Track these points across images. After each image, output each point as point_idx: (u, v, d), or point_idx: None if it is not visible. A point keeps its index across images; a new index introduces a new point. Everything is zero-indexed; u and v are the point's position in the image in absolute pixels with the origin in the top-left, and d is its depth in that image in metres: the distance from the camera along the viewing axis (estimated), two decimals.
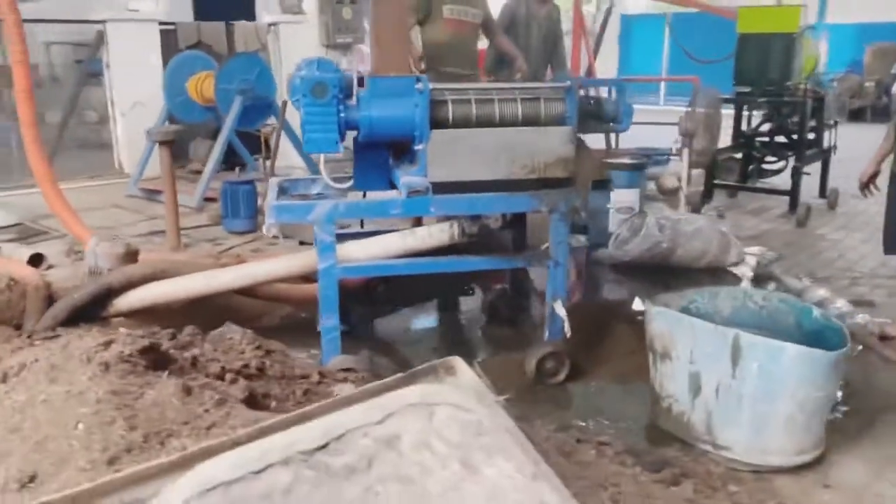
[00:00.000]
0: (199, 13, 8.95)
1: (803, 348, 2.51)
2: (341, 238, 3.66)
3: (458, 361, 1.97)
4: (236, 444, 1.52)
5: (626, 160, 5.71)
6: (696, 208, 6.80)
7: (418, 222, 3.86)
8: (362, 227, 3.93)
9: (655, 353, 2.90)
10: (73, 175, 6.87)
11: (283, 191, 3.58)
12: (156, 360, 1.94)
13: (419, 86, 3.13)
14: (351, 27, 7.85)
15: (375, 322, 4.08)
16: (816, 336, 2.82)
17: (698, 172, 6.97)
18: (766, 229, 6.32)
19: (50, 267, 4.33)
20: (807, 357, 2.52)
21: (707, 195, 6.92)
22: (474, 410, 1.67)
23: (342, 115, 3.11)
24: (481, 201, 3.17)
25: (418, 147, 3.26)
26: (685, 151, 5.91)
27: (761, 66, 6.31)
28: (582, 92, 3.46)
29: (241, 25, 7.65)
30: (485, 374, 3.44)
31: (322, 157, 3.34)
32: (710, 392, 2.70)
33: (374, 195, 3.48)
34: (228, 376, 2.01)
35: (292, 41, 7.86)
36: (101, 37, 6.75)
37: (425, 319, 4.27)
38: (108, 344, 1.89)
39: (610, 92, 4.57)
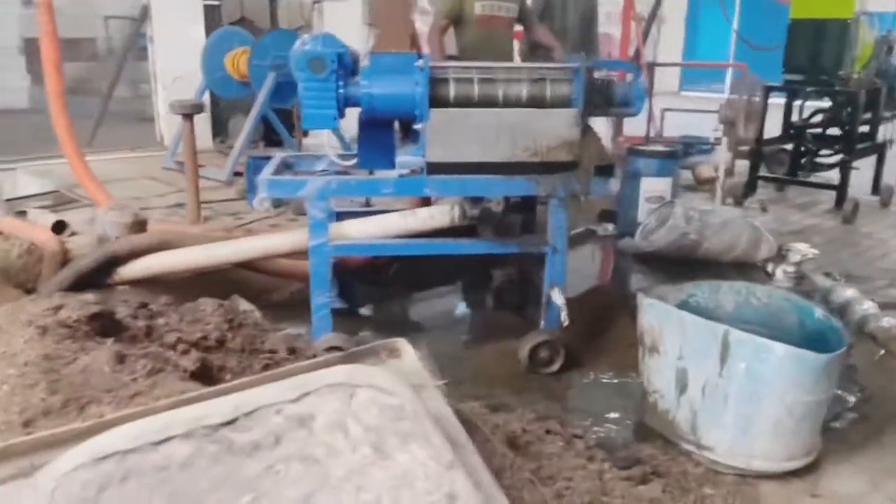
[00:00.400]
0: None
1: (792, 349, 2.38)
2: (343, 216, 3.68)
3: (402, 343, 1.93)
4: (151, 413, 1.52)
5: (659, 147, 5.53)
6: (738, 200, 6.57)
7: (427, 203, 3.82)
8: (369, 205, 3.90)
9: (644, 346, 2.79)
10: (116, 146, 7.05)
11: (287, 166, 3.58)
12: (104, 326, 1.96)
13: (419, 63, 3.08)
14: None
15: (382, 303, 4.07)
16: (818, 336, 2.67)
17: (742, 163, 6.72)
18: (810, 224, 6.05)
19: (73, 234, 4.43)
20: (796, 358, 2.38)
21: (751, 187, 6.66)
22: (398, 394, 1.62)
23: (341, 91, 3.08)
24: (475, 183, 3.10)
25: (417, 126, 3.22)
26: (724, 140, 5.68)
27: (813, 53, 6.00)
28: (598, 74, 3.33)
29: (285, 2, 7.70)
30: (481, 360, 3.40)
31: (327, 132, 3.32)
32: (696, 390, 2.59)
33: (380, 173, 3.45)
34: (181, 347, 2.01)
35: (336, 19, 7.87)
36: (146, 11, 6.88)
37: (432, 303, 4.23)
38: (57, 308, 1.91)
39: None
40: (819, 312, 2.69)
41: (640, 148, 5.46)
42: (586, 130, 3.20)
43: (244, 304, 3.84)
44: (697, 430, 2.59)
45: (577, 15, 5.63)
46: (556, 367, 3.25)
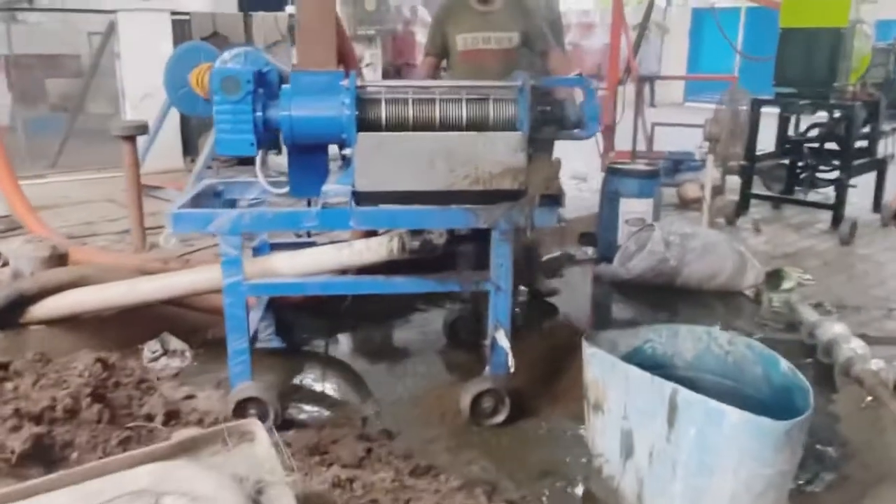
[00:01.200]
0: (243, 4, 8.81)
1: (747, 415, 2.04)
2: (279, 247, 3.38)
3: (255, 426, 1.62)
4: None
5: (639, 166, 5.20)
6: (729, 220, 6.23)
7: (373, 233, 3.51)
8: (309, 235, 3.60)
9: (589, 402, 2.47)
10: (82, 166, 6.80)
11: (215, 194, 3.31)
12: None
13: (345, 82, 2.78)
14: (375, 19, 7.54)
15: (326, 340, 3.76)
16: (785, 393, 2.33)
17: (735, 180, 6.37)
18: (805, 247, 5.68)
19: (6, 265, 4.18)
20: (752, 426, 2.05)
21: (743, 205, 6.31)
22: (217, 502, 1.30)
23: (258, 114, 2.79)
24: (407, 215, 2.79)
25: (345, 152, 2.93)
26: (709, 157, 5.34)
27: (805, 64, 5.65)
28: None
29: (259, 16, 7.45)
30: (418, 407, 3.09)
31: (258, 157, 3.02)
32: (642, 455, 2.26)
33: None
34: (10, 423, 1.72)
35: None
36: (112, 26, 6.65)
37: (382, 338, 3.92)
38: None
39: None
40: (784, 366, 2.35)
41: (619, 167, 5.13)
42: (534, 156, 2.89)
43: (175, 343, 3.58)
44: (643, 501, 2.26)
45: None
46: (500, 418, 2.92)
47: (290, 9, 7.70)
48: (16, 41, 9.69)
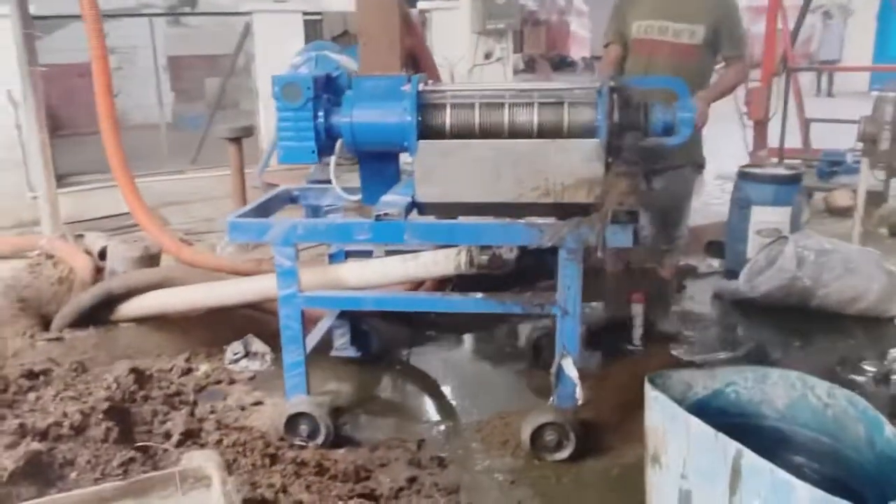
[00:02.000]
0: None
1: (818, 493, 1.66)
2: (352, 255, 3.30)
3: (213, 470, 1.49)
4: None
5: (775, 169, 4.63)
6: (893, 231, 5.45)
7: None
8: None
9: (648, 453, 2.15)
10: (220, 163, 7.12)
11: (291, 199, 3.27)
12: None
13: (406, 87, 2.62)
14: (504, 13, 7.32)
15: (404, 351, 3.64)
16: (890, 464, 1.91)
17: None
18: None
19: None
20: None
21: None
22: None
23: (320, 120, 2.69)
24: (465, 230, 2.60)
25: (407, 159, 2.77)
26: (864, 161, 4.67)
27: None
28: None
29: None
30: (481, 433, 2.88)
31: (332, 163, 2.94)
32: None
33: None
34: (11, 438, 1.72)
35: (444, 28, 7.52)
36: (248, 27, 6.91)
37: (461, 353, 3.73)
38: None
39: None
40: (889, 431, 1.92)
41: (751, 170, 4.60)
42: (613, 166, 2.59)
43: (258, 345, 3.59)
44: None
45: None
46: (563, 454, 2.65)
47: (421, 4, 7.65)
48: (178, 44, 10.43)
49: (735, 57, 3.50)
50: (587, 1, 18.12)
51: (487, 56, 7.58)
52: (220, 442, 2.21)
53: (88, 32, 4.13)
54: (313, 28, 7.03)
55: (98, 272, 3.78)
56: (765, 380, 2.27)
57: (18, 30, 4.44)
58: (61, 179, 6.81)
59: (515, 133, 2.63)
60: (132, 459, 1.88)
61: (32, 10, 6.19)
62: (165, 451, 1.96)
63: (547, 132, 2.61)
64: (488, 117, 2.64)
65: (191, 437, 2.12)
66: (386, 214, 2.56)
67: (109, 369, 2.32)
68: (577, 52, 17.15)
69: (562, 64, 16.30)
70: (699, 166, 3.67)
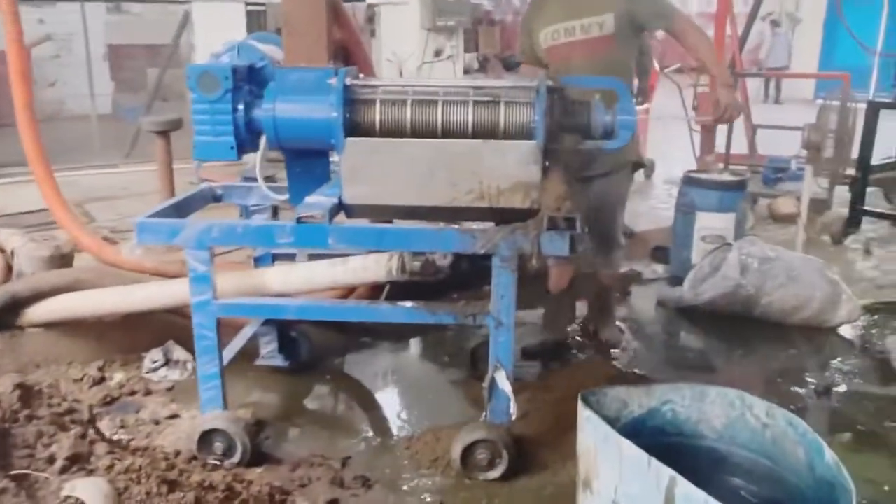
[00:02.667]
0: None
1: None
2: (278, 258, 3.11)
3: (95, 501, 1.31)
4: None
5: (719, 175, 4.58)
6: (836, 239, 5.47)
7: None
8: None
9: (579, 476, 2.02)
10: (154, 157, 6.84)
11: (215, 198, 3.07)
12: None
13: (333, 80, 2.45)
14: (455, 10, 7.19)
15: (335, 358, 3.46)
16: (827, 488, 1.81)
17: (844, 193, 5.59)
18: None
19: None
20: None
21: (853, 223, 5.51)
22: None
23: (240, 114, 2.50)
24: (392, 235, 2.44)
25: (334, 158, 2.60)
26: (808, 168, 4.65)
27: None
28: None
29: None
30: (410, 449, 2.72)
31: (258, 157, 2.74)
32: None
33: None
34: None
35: (394, 24, 7.35)
36: (187, 16, 6.64)
37: (397, 359, 3.57)
38: None
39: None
40: (829, 457, 1.82)
41: (696, 175, 4.54)
42: (549, 169, 2.46)
43: (179, 353, 3.38)
44: None
45: None
46: (496, 473, 2.51)
47: None
48: (119, 32, 10.04)
49: (668, 23, 3.24)
50: None
51: (437, 53, 7.44)
52: (111, 467, 2.00)
53: (3, 15, 3.85)
54: (257, 19, 6.78)
55: (10, 271, 3.52)
56: (703, 398, 2.17)
57: None
58: None
59: (449, 133, 2.47)
60: (3, 490, 1.67)
61: None
62: (46, 479, 1.75)
63: (482, 132, 2.46)
64: (421, 115, 2.48)
65: (78, 462, 1.91)
66: (310, 217, 2.39)
67: None
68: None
69: (517, 64, 16.27)
70: (637, 165, 3.54)
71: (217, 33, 6.56)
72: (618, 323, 3.87)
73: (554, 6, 3.28)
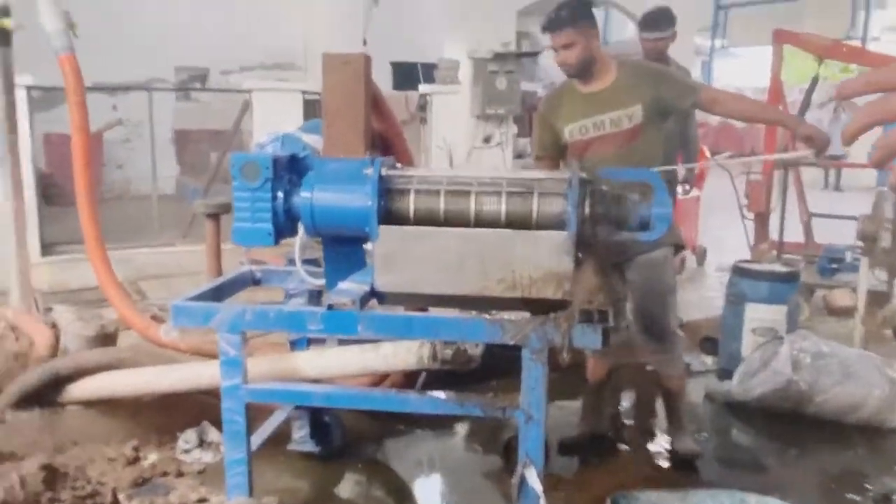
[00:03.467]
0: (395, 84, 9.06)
1: None
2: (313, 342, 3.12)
3: None
4: None
5: (771, 265, 4.46)
6: None
7: None
8: None
9: None
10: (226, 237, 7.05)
11: (254, 281, 3.13)
12: None
13: (369, 171, 2.50)
14: (504, 98, 7.35)
15: (370, 445, 3.41)
16: None
17: None
18: None
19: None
20: None
21: None
22: None
23: (279, 201, 2.57)
24: (421, 323, 2.42)
25: (368, 246, 2.63)
26: (864, 260, 4.49)
27: None
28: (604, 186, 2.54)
29: (390, 95, 7.51)
30: None
31: (298, 242, 2.81)
32: None
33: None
34: None
35: (444, 111, 7.55)
36: (247, 105, 6.95)
37: (431, 448, 3.49)
38: None
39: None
40: None
41: (746, 266, 4.43)
42: (582, 260, 2.44)
43: (214, 435, 3.38)
44: None
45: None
46: None
47: (423, 88, 7.70)
48: (186, 118, 10.55)
49: (696, 96, 3.17)
50: None
51: (487, 140, 7.57)
52: None
53: (70, 104, 4.09)
54: (312, 107, 7.04)
55: (57, 347, 3.62)
56: None
57: (0, 97, 4.41)
58: (50, 248, 6.76)
59: (482, 222, 2.48)
60: None
61: (34, 80, 6.28)
62: None
63: (515, 223, 2.46)
64: (454, 205, 2.50)
65: None
66: (341, 304, 2.40)
67: (18, 465, 2.13)
68: None
69: None
70: (677, 247, 3.41)
71: (275, 119, 6.87)
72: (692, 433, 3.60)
73: (577, 101, 3.21)
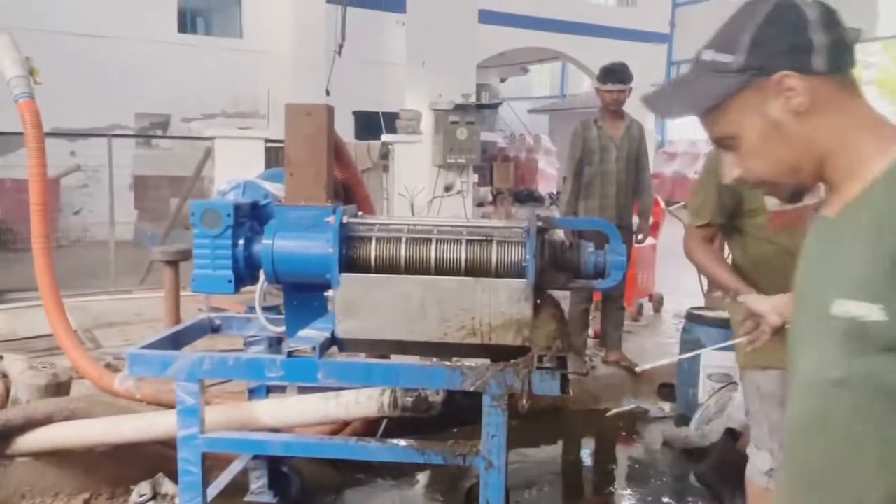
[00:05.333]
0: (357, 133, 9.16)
1: None
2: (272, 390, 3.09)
3: None
4: None
5: (722, 312, 4.55)
6: None
7: None
8: None
9: None
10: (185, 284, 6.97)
11: (213, 329, 3.10)
12: None
13: (330, 218, 2.53)
14: (465, 147, 7.48)
15: (328, 495, 3.36)
16: None
17: None
18: None
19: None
20: None
21: None
22: None
23: (239, 249, 2.58)
24: (381, 370, 2.43)
25: (328, 293, 2.65)
26: None
27: None
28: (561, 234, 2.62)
29: (353, 144, 7.60)
30: None
31: (259, 289, 2.81)
32: None
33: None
34: None
35: (406, 160, 7.64)
36: (209, 151, 6.95)
37: (394, 500, 3.46)
38: None
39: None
40: None
41: (699, 312, 4.53)
42: (540, 306, 2.48)
43: (168, 487, 3.30)
44: None
45: (621, 158, 4.79)
46: None
47: (384, 137, 7.81)
48: (146, 164, 10.50)
49: None
50: (554, 140, 18.97)
51: (447, 188, 7.68)
52: None
53: (29, 149, 4.07)
54: (275, 155, 7.08)
55: (7, 398, 3.52)
56: None
57: None
58: (1, 295, 6.60)
59: (443, 270, 2.52)
60: None
61: None
62: None
63: (475, 270, 2.51)
64: (415, 252, 2.54)
65: None
66: (300, 351, 2.40)
67: None
68: (545, 188, 17.88)
69: (529, 198, 16.77)
70: None
71: (237, 167, 6.88)
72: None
73: None
